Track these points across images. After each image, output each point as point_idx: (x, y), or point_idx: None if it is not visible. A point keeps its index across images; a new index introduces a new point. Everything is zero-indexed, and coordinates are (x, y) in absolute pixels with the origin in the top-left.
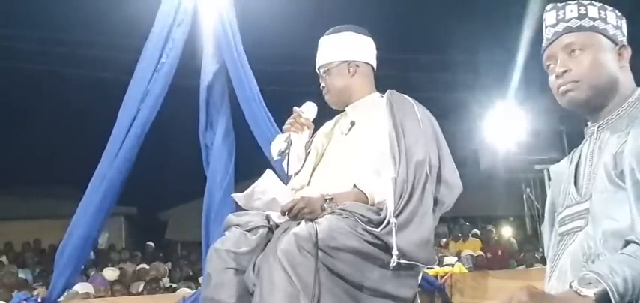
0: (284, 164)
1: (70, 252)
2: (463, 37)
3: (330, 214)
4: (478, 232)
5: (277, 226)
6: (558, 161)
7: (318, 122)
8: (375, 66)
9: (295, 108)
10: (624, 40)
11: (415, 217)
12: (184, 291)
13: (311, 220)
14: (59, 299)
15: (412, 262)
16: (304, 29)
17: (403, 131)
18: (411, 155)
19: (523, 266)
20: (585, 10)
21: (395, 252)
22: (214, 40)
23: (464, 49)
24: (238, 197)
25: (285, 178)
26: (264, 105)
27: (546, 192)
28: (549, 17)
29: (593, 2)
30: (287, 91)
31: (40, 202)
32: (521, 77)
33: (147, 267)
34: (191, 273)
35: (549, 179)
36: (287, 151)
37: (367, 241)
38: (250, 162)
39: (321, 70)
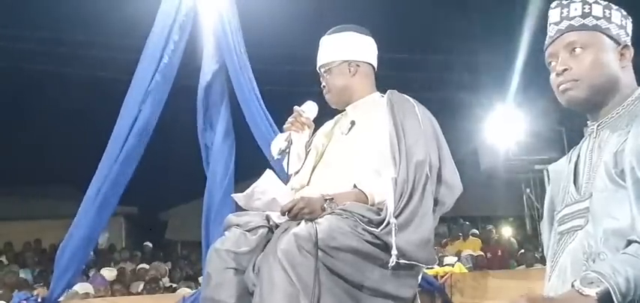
0: (284, 163)
1: (71, 252)
2: (463, 38)
3: (330, 214)
4: (478, 232)
5: (277, 226)
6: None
7: (318, 122)
8: (375, 66)
9: (296, 107)
10: (628, 39)
11: (415, 217)
12: (184, 291)
13: (311, 220)
14: (59, 299)
15: (412, 262)
16: (304, 29)
17: (404, 131)
18: (411, 155)
19: (523, 266)
20: (590, 8)
21: (394, 252)
22: (214, 40)
23: (464, 50)
24: (238, 197)
25: (285, 179)
26: (264, 107)
27: (546, 192)
28: (553, 14)
29: (598, 1)
30: (287, 91)
31: (40, 202)
32: (521, 77)
33: (147, 267)
34: (191, 273)
35: (548, 178)
36: (287, 150)
37: (367, 241)
38: (250, 162)
39: (322, 70)
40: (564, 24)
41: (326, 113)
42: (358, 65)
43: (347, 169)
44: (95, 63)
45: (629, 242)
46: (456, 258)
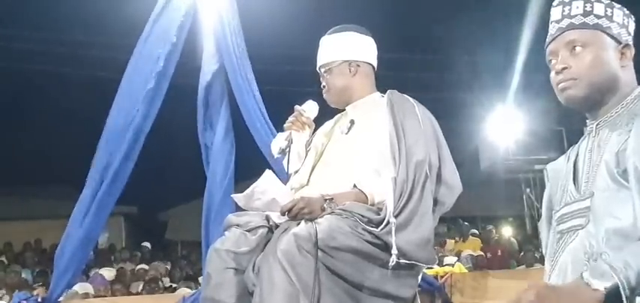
0: (284, 162)
1: (70, 253)
2: (463, 38)
3: (329, 214)
4: (478, 232)
5: (277, 226)
6: None
7: (318, 122)
8: (375, 66)
9: (296, 106)
10: (630, 39)
11: (415, 216)
12: (184, 291)
13: (311, 220)
14: (59, 299)
15: (412, 262)
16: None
17: (404, 131)
18: (411, 155)
19: (523, 266)
20: (591, 7)
21: (394, 251)
22: (214, 40)
23: (464, 50)
24: (238, 197)
25: (284, 179)
26: (263, 109)
27: (545, 190)
28: (555, 12)
29: None
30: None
31: (40, 202)
32: (521, 77)
33: (146, 267)
34: (191, 273)
35: (547, 177)
36: (288, 150)
37: (367, 241)
38: (250, 162)
39: (322, 70)
40: (565, 22)
41: (326, 113)
42: (358, 65)
43: (347, 168)
44: (95, 63)
45: None
46: (456, 258)
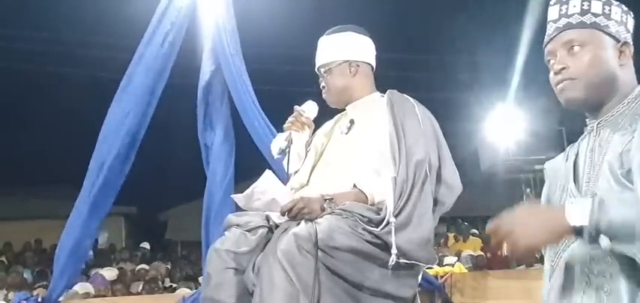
0: (284, 163)
1: (68, 253)
2: (463, 38)
3: (329, 214)
4: (478, 232)
5: (277, 226)
6: None
7: (318, 122)
8: (374, 66)
9: (296, 107)
10: (628, 36)
11: (414, 216)
12: (184, 291)
13: (311, 220)
14: (59, 299)
15: (412, 262)
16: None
17: (403, 131)
18: (411, 155)
19: (523, 266)
20: (588, 5)
21: (394, 251)
22: (211, 41)
23: (464, 49)
24: (238, 198)
25: (284, 179)
26: (261, 110)
27: (544, 189)
28: (552, 12)
29: None
30: (287, 91)
31: (40, 202)
32: (521, 77)
33: (147, 267)
34: (191, 273)
35: (546, 175)
36: (287, 150)
37: (367, 241)
38: (250, 162)
39: (322, 70)
40: (562, 22)
41: (326, 113)
42: (358, 65)
43: (346, 168)
44: (95, 63)
45: None
46: (456, 258)
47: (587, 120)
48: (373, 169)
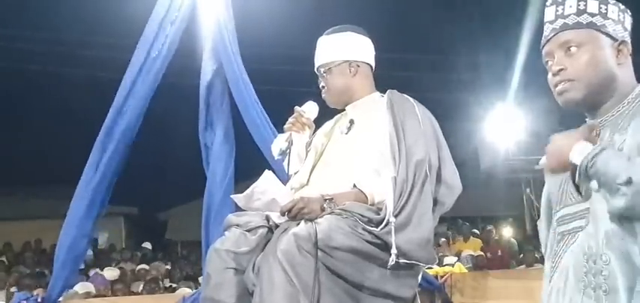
0: (285, 164)
1: (66, 253)
2: (463, 38)
3: (329, 214)
4: (478, 232)
5: (277, 226)
6: None
7: (318, 122)
8: (373, 66)
9: (297, 107)
10: (626, 35)
11: (414, 216)
12: (184, 291)
13: (310, 220)
14: (59, 299)
15: (412, 262)
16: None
17: (403, 131)
18: (410, 155)
19: (523, 266)
20: (585, 5)
21: (394, 251)
22: (212, 40)
23: (464, 49)
24: (238, 198)
25: (285, 179)
26: (262, 108)
27: (544, 189)
28: (548, 13)
29: None
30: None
31: (40, 202)
32: (521, 77)
33: (147, 267)
34: (191, 273)
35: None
36: (288, 151)
37: (367, 241)
38: (250, 162)
39: (322, 70)
40: (559, 23)
41: (326, 113)
42: (358, 65)
43: (346, 168)
44: (95, 63)
45: None
46: (456, 258)
47: (586, 120)
48: (373, 169)
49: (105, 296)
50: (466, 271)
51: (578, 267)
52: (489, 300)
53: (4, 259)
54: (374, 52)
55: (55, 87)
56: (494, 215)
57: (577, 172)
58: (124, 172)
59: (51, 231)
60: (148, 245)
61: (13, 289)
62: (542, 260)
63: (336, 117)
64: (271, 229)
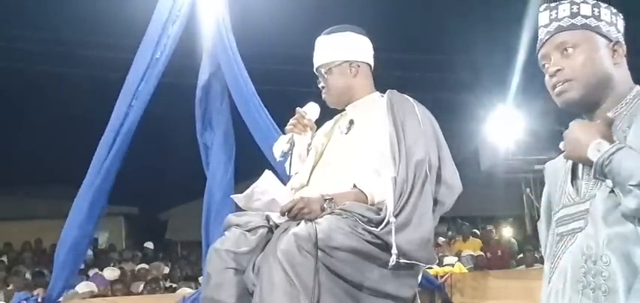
0: (286, 165)
1: (66, 253)
2: (463, 38)
3: (329, 214)
4: (478, 232)
5: (277, 226)
6: None
7: (319, 122)
8: (372, 66)
9: (298, 109)
10: (620, 36)
11: (414, 216)
12: (184, 291)
13: (310, 220)
14: (59, 299)
15: (412, 262)
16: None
17: (403, 131)
18: (410, 155)
19: (523, 266)
20: (578, 8)
21: (394, 251)
22: (212, 41)
23: (464, 50)
24: (238, 198)
25: (286, 179)
26: (263, 106)
27: (544, 190)
28: (543, 18)
29: (586, 0)
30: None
31: (40, 202)
32: (521, 78)
33: (147, 267)
34: (191, 273)
35: (546, 176)
36: (290, 152)
37: (367, 241)
38: (250, 162)
39: (322, 70)
40: (553, 26)
41: (326, 113)
42: (359, 65)
43: (346, 168)
44: (95, 63)
45: None
46: (456, 258)
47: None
48: (373, 169)
49: (105, 296)
50: (466, 271)
51: (577, 268)
52: (489, 300)
53: (4, 259)
54: (373, 52)
55: (55, 87)
56: (494, 215)
57: (593, 169)
58: (124, 172)
59: (51, 231)
60: (149, 245)
61: (12, 288)
62: (542, 260)
63: (335, 117)
64: (271, 229)
